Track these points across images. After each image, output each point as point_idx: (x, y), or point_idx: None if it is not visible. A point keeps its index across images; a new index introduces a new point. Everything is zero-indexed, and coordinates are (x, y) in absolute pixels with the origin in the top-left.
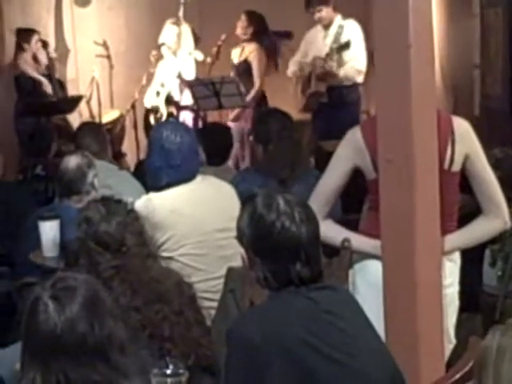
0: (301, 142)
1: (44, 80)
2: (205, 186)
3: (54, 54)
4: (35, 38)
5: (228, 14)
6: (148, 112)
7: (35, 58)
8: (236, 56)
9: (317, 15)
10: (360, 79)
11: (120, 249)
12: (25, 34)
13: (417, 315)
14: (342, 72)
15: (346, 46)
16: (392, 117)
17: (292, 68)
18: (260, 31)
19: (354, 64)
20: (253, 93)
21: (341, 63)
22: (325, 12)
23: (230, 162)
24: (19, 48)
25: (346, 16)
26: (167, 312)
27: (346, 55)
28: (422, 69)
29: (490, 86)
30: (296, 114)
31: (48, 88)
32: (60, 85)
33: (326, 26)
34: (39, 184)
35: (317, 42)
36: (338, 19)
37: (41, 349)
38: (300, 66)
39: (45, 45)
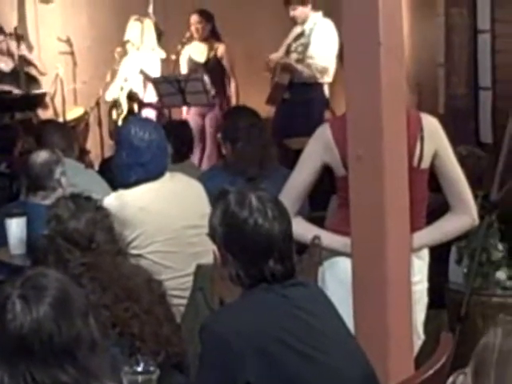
0: (269, 140)
1: None
2: (173, 184)
3: (24, 52)
4: None
5: (190, 8)
6: (111, 108)
7: (8, 53)
8: (202, 53)
9: (291, 13)
10: (326, 78)
11: (90, 246)
12: None
13: (386, 312)
14: (300, 67)
15: (301, 34)
16: (362, 114)
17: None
18: (215, 29)
19: (318, 61)
20: (234, 88)
21: (304, 58)
22: (299, 11)
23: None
24: None
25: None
26: (136, 310)
27: (310, 51)
28: (391, 66)
29: (454, 84)
30: (262, 111)
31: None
32: (31, 81)
33: (302, 23)
34: (3, 181)
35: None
36: (315, 17)
37: (7, 349)
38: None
39: (18, 39)
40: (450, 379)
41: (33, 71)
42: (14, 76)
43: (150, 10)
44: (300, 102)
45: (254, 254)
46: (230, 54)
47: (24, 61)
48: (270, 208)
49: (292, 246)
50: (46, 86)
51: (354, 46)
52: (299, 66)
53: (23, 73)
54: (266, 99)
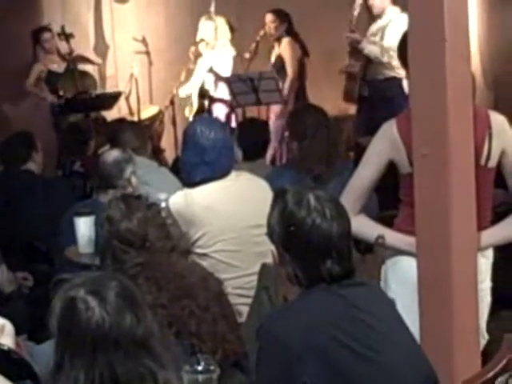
0: (337, 138)
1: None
2: (239, 182)
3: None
4: (45, 35)
5: (267, 7)
6: (184, 106)
7: (58, 53)
8: (273, 55)
9: (370, 1)
10: (400, 73)
11: (143, 244)
12: (36, 33)
13: (452, 312)
14: (365, 43)
15: (375, 33)
16: (427, 111)
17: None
18: (291, 28)
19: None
20: (288, 82)
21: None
22: (378, 1)
23: (267, 160)
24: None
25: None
26: (193, 307)
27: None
28: (457, 63)
29: None
30: (334, 110)
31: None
32: (85, 78)
33: (378, 16)
34: (77, 180)
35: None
36: (392, 11)
37: (86, 347)
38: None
39: (67, 38)
40: (500, 379)
41: (87, 68)
42: (68, 76)
43: (212, 8)
44: (380, 99)
45: (312, 253)
46: (291, 49)
47: (79, 59)
48: (328, 208)
49: (350, 246)
50: (121, 85)
51: (419, 42)
52: (364, 42)
53: (77, 72)
54: (343, 97)
